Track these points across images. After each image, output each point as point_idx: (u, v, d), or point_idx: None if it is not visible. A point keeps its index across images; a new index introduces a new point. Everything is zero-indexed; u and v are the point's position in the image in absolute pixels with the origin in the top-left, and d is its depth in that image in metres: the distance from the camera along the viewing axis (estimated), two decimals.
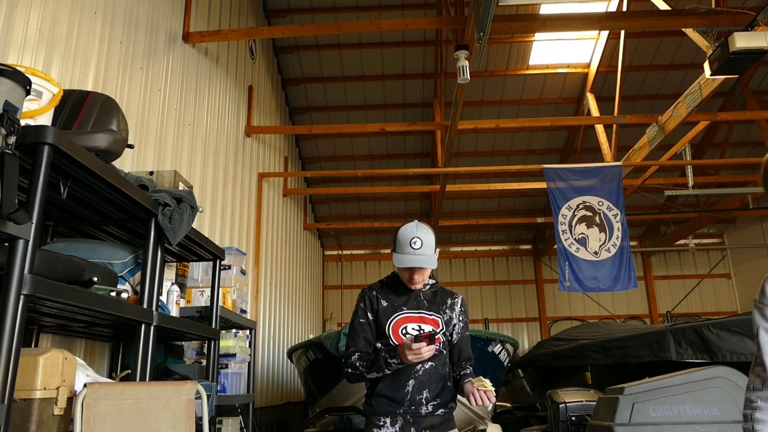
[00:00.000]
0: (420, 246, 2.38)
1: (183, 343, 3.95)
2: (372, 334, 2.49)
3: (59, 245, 2.60)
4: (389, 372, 2.37)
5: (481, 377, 2.32)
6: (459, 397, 2.52)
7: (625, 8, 7.95)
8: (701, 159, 10.70)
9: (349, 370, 2.44)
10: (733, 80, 8.80)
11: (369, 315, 2.50)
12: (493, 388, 2.27)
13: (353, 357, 2.43)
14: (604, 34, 9.10)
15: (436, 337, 2.45)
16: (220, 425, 3.79)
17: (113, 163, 2.51)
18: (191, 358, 3.94)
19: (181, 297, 3.34)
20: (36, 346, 2.84)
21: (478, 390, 2.26)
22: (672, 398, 2.95)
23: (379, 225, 12.26)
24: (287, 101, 10.36)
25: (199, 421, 2.53)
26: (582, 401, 4.28)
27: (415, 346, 2.20)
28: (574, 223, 7.95)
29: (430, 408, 2.38)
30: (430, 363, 2.40)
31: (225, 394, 3.88)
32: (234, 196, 6.81)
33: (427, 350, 2.22)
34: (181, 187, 3.10)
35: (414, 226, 2.44)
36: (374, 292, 2.54)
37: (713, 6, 5.52)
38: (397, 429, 2.37)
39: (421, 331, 2.41)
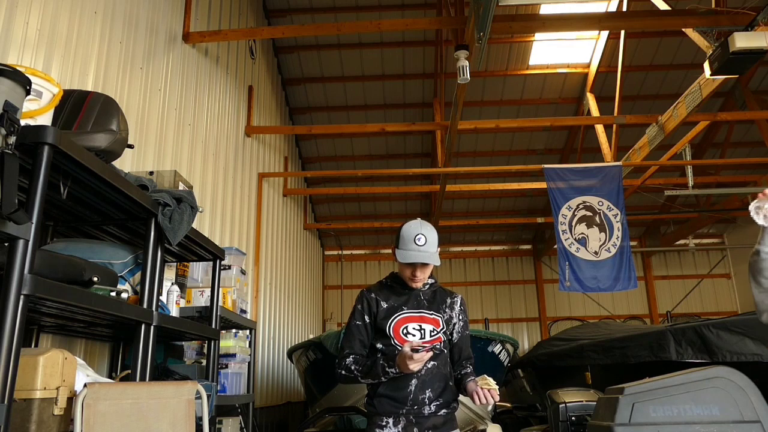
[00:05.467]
0: (424, 243, 2.39)
1: (183, 343, 3.95)
2: (368, 337, 2.49)
3: (59, 245, 2.60)
4: (385, 380, 2.37)
5: (485, 375, 2.32)
6: (459, 396, 2.52)
7: (625, 8, 7.94)
8: (701, 159, 10.69)
9: (343, 372, 2.44)
10: (733, 80, 8.80)
11: (366, 318, 2.50)
12: (497, 387, 2.27)
13: (348, 359, 2.43)
14: (604, 34, 9.10)
15: (437, 336, 2.46)
16: (220, 425, 3.79)
17: (113, 163, 2.51)
18: (191, 358, 3.94)
19: (181, 297, 3.34)
20: (36, 346, 2.84)
21: (482, 388, 2.26)
22: (672, 398, 2.95)
23: (379, 225, 12.26)
24: (287, 101, 10.36)
25: (199, 421, 2.53)
26: (582, 401, 4.28)
27: (417, 356, 2.20)
28: (574, 223, 7.95)
29: (432, 408, 2.38)
30: (432, 362, 2.40)
31: (225, 394, 3.88)
32: (234, 196, 6.81)
33: (427, 357, 2.23)
34: (181, 187, 3.10)
35: (418, 224, 2.45)
36: (373, 294, 2.54)
37: (713, 6, 5.52)
38: (400, 429, 2.37)
39: (422, 339, 2.41)
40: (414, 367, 2.24)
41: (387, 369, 2.32)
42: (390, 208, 13.23)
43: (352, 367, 2.41)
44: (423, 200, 12.99)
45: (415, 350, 2.23)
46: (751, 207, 2.00)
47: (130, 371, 2.49)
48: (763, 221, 1.99)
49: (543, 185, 8.37)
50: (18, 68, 1.81)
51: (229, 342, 4.08)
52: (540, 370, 7.31)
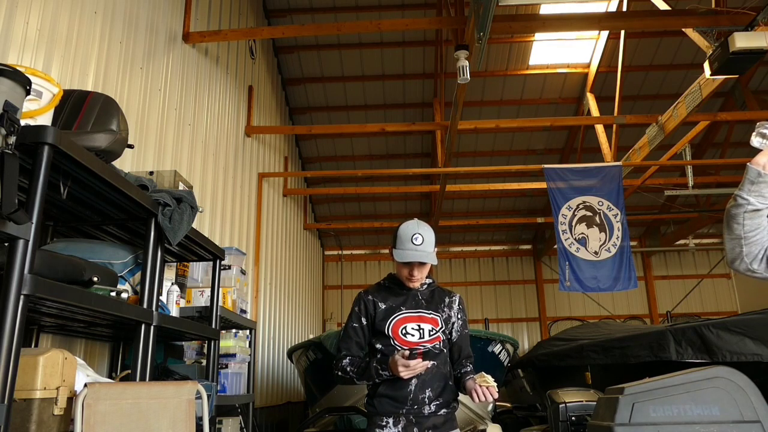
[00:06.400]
0: (421, 242, 2.40)
1: (183, 343, 3.95)
2: (364, 339, 2.52)
3: (59, 245, 2.60)
4: (379, 381, 2.40)
5: (483, 373, 2.32)
6: (459, 396, 2.52)
7: (625, 8, 7.94)
8: (701, 159, 10.69)
9: (340, 373, 2.49)
10: (733, 80, 8.80)
11: (363, 320, 2.52)
12: (495, 384, 2.27)
13: (344, 361, 2.47)
14: (604, 34, 9.10)
15: (436, 336, 2.46)
16: (220, 425, 3.79)
17: (113, 163, 2.51)
18: (191, 358, 3.94)
19: (181, 297, 3.34)
20: (36, 346, 2.84)
21: (480, 386, 2.27)
22: (672, 398, 2.94)
23: (379, 225, 12.25)
24: (287, 101, 10.36)
25: (199, 421, 2.53)
26: (582, 401, 4.28)
27: (412, 363, 2.23)
28: (574, 223, 7.95)
29: (432, 408, 2.39)
30: (431, 362, 2.41)
31: (225, 394, 3.88)
32: (234, 196, 6.81)
33: (421, 366, 2.26)
34: (181, 187, 3.10)
35: (415, 223, 2.46)
36: (370, 297, 2.55)
37: (713, 6, 5.52)
38: (400, 429, 2.38)
39: (419, 347, 2.42)
40: (405, 374, 2.25)
41: (380, 372, 2.35)
42: (390, 208, 13.23)
43: (348, 369, 2.44)
44: (423, 200, 12.99)
45: (410, 357, 2.24)
46: (757, 127, 1.96)
47: (130, 371, 2.49)
48: (758, 144, 1.96)
49: (543, 185, 8.36)
50: (18, 68, 1.81)
51: (229, 342, 4.08)
52: (540, 370, 7.30)
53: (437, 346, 2.46)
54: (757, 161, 1.92)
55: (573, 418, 4.22)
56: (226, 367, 3.97)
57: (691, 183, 9.51)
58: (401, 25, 6.52)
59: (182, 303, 3.37)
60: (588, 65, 9.80)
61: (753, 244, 1.88)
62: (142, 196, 2.47)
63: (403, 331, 2.44)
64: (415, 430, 2.37)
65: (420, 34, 9.26)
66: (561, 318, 12.88)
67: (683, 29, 5.85)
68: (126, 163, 3.98)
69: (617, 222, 7.94)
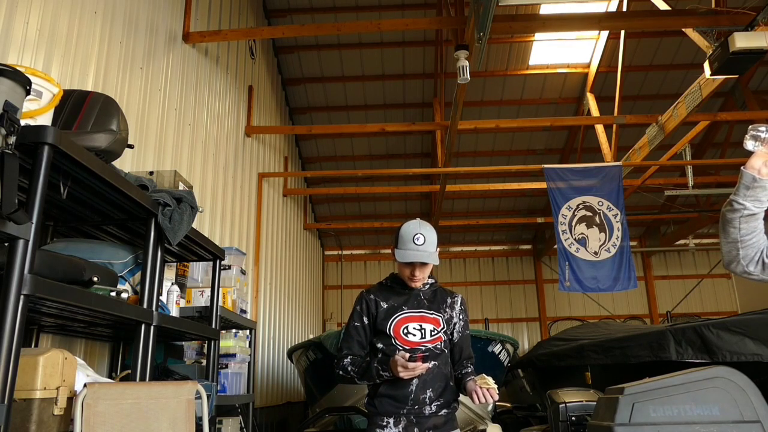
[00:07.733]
0: (423, 242, 2.40)
1: (183, 343, 3.95)
2: (366, 338, 2.52)
3: (59, 245, 2.60)
4: (380, 382, 2.40)
5: (484, 375, 2.33)
6: (459, 396, 2.52)
7: (625, 8, 7.95)
8: (701, 159, 10.69)
9: (341, 372, 2.48)
10: (733, 80, 8.79)
11: (364, 319, 2.52)
12: (495, 385, 2.28)
13: (345, 360, 2.47)
14: (604, 34, 9.10)
15: (437, 336, 2.46)
16: (220, 425, 3.79)
17: (113, 163, 2.51)
18: (191, 358, 3.94)
19: (181, 297, 3.34)
20: (36, 346, 2.84)
21: (480, 387, 2.27)
22: (672, 398, 2.94)
23: (379, 225, 12.25)
24: (287, 101, 10.36)
25: (199, 421, 2.53)
26: (582, 401, 4.28)
27: (411, 365, 2.23)
28: (574, 223, 7.95)
29: (433, 408, 2.39)
30: (432, 362, 2.41)
31: (225, 394, 3.88)
32: (234, 196, 6.81)
33: (421, 369, 2.26)
34: (181, 187, 3.10)
35: (417, 223, 2.46)
36: (372, 296, 2.55)
37: (713, 6, 5.52)
38: (401, 429, 2.38)
39: (422, 339, 2.42)
40: (404, 375, 2.25)
41: (381, 372, 2.35)
42: (390, 208, 13.23)
43: (349, 368, 2.44)
44: (423, 200, 12.99)
45: (411, 359, 2.24)
46: (750, 130, 1.93)
47: (130, 371, 2.49)
48: (751, 147, 1.95)
49: (543, 185, 8.36)
50: (18, 68, 1.81)
51: (229, 342, 4.08)
52: (540, 370, 7.31)
53: (438, 346, 2.46)
54: (752, 165, 1.90)
55: (573, 418, 4.22)
56: (226, 367, 3.97)
57: (691, 183, 9.51)
58: (401, 25, 6.52)
59: (182, 303, 3.37)
60: (588, 65, 9.79)
61: (749, 247, 1.88)
62: (142, 196, 2.47)
63: (405, 331, 2.44)
64: (416, 430, 2.37)
65: (420, 34, 9.26)
66: (561, 318, 12.88)
67: (683, 29, 5.85)
68: (126, 163, 3.98)
69: (617, 222, 7.94)
